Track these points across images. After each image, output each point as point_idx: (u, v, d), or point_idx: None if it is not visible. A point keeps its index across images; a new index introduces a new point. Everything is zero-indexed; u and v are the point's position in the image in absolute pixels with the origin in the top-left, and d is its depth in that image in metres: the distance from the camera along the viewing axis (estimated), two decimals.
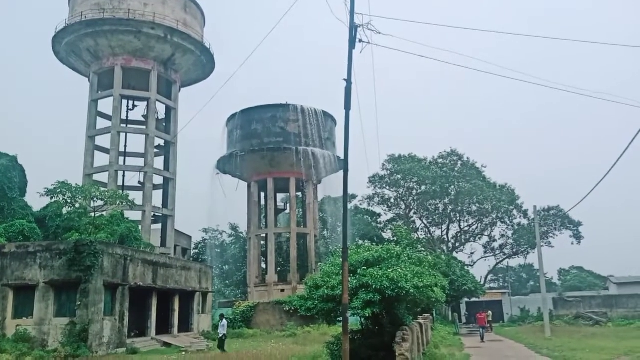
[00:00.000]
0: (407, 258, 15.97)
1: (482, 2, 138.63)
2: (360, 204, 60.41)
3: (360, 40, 12.22)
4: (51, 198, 32.30)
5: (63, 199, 32.58)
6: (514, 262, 70.60)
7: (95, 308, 22.66)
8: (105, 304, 23.52)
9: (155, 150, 47.59)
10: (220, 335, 23.57)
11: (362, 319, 15.39)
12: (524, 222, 57.20)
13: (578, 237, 57.20)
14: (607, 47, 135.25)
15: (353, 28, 12.12)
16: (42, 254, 23.53)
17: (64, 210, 32.94)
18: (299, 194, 52.37)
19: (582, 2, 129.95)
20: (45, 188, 31.94)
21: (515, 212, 57.47)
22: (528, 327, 42.13)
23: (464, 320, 50.87)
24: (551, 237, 57.19)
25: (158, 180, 48.03)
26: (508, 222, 58.26)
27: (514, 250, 59.95)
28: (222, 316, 24.96)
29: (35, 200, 32.82)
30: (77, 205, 33.35)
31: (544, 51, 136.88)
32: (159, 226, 47.81)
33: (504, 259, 62.23)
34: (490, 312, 39.99)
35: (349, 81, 12.37)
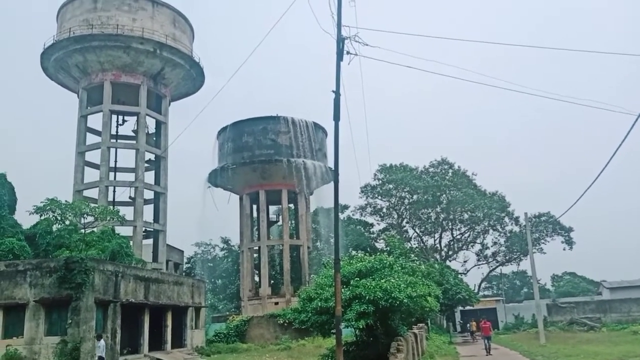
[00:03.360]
0: (400, 268, 15.99)
1: (474, 15, 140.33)
2: (353, 215, 60.42)
3: (348, 52, 12.30)
4: (41, 215, 31.96)
5: (53, 216, 32.26)
6: (507, 269, 70.81)
7: (86, 326, 22.40)
8: (97, 321, 23.24)
9: (146, 164, 47.36)
10: (96, 359, 20.83)
11: (356, 331, 15.34)
12: (516, 229, 57.38)
13: (570, 242, 57.39)
14: (596, 56, 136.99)
15: (340, 40, 12.20)
16: (32, 272, 23.28)
17: (54, 228, 32.59)
18: (291, 205, 52.27)
19: (582, 7, 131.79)
20: (34, 205, 31.64)
21: (506, 219, 57.65)
22: (523, 334, 42.13)
23: (458, 328, 50.75)
24: (543, 243, 57.38)
25: (149, 194, 47.76)
26: (500, 230, 58.41)
27: (507, 258, 60.04)
28: (99, 336, 21.59)
29: (25, 218, 32.46)
30: (67, 222, 33.04)
31: (540, 61, 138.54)
32: (150, 241, 47.44)
33: (497, 267, 62.37)
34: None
35: (337, 93, 12.44)
